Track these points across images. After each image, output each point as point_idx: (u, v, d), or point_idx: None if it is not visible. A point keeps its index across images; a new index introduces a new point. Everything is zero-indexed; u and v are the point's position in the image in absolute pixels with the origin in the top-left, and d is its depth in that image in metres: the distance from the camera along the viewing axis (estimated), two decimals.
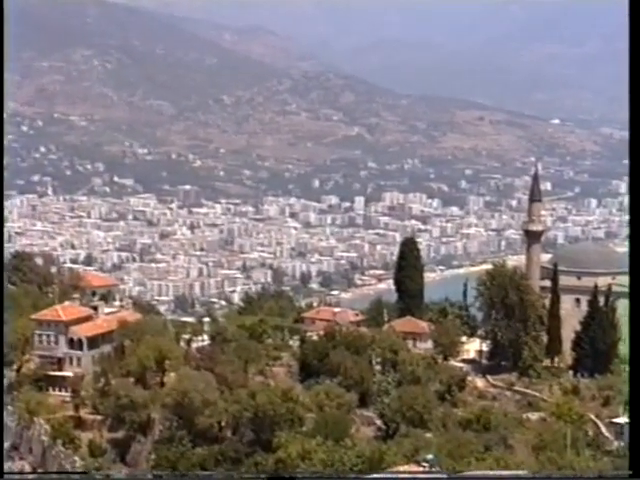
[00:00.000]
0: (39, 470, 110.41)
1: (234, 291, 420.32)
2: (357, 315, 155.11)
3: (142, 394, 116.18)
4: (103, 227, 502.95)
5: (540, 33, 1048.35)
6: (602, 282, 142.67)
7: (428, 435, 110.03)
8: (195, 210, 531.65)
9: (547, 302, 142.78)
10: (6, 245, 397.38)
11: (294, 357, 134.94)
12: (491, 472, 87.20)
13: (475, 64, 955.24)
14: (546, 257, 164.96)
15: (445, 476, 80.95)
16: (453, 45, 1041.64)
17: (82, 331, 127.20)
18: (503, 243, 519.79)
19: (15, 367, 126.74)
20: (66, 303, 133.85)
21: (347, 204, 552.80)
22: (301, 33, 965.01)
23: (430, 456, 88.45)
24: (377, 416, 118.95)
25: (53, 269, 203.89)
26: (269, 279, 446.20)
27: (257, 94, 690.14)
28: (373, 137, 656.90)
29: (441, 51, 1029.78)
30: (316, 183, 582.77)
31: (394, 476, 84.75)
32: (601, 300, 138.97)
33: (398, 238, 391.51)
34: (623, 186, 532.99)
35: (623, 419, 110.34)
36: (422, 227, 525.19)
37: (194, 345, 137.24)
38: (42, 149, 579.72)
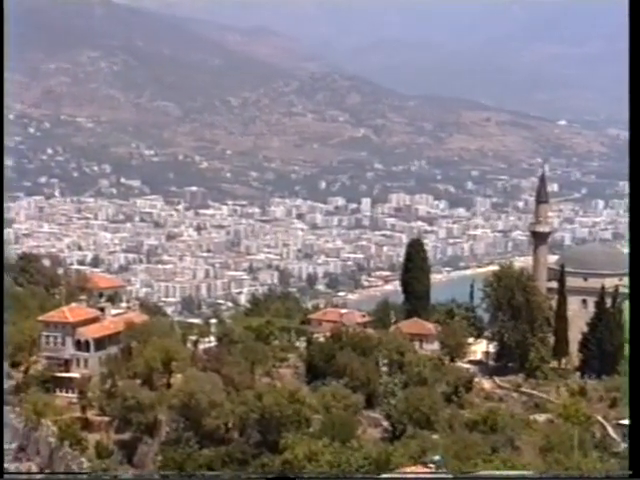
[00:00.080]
0: (46, 471, 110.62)
1: (241, 292, 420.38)
2: (364, 316, 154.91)
3: (149, 395, 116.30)
4: (110, 228, 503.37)
5: (541, 33, 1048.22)
6: (609, 283, 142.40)
7: (435, 436, 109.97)
8: (202, 211, 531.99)
9: (554, 303, 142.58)
10: (13, 246, 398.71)
11: (301, 358, 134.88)
12: (497, 473, 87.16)
13: (476, 64, 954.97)
14: (553, 258, 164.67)
15: (451, 477, 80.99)
16: (454, 45, 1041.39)
17: (89, 332, 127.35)
18: (510, 244, 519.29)
19: (22, 368, 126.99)
20: (73, 304, 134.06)
21: (354, 205, 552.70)
22: (304, 34, 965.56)
23: (437, 457, 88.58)
24: (384, 417, 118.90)
25: (60, 270, 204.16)
26: (276, 280, 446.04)
27: (263, 95, 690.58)
28: (379, 138, 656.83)
29: (442, 51, 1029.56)
30: (322, 184, 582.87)
31: (401, 476, 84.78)
32: (608, 301, 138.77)
33: (404, 239, 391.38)
34: None
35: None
36: (429, 228, 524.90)
37: (201, 346, 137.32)
38: (49, 151, 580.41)
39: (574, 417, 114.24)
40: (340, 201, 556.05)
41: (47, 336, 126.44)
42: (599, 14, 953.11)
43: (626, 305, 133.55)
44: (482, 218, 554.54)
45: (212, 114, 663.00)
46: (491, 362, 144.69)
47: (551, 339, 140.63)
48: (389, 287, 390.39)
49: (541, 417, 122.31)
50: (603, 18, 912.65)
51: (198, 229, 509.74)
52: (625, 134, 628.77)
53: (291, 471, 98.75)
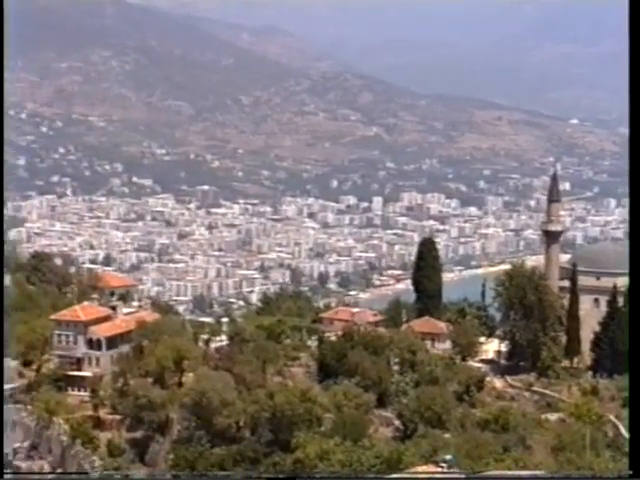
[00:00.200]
0: (58, 470, 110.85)
1: (252, 291, 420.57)
2: (375, 315, 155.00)
3: (160, 394, 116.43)
4: (122, 227, 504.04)
5: (553, 32, 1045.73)
6: (621, 282, 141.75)
7: (446, 435, 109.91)
8: (213, 210, 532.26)
9: (566, 302, 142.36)
10: (25, 245, 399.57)
11: (312, 357, 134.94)
12: (509, 473, 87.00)
13: (488, 63, 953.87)
14: (565, 257, 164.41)
15: (463, 476, 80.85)
16: (466, 44, 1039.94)
17: (101, 331, 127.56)
18: (522, 243, 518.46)
19: (34, 367, 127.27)
20: (85, 303, 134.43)
21: (365, 204, 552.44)
22: (316, 33, 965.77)
23: (448, 456, 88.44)
24: (395, 416, 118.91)
25: (72, 269, 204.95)
26: (287, 279, 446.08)
27: (275, 94, 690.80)
28: (391, 137, 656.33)
29: (454, 50, 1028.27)
30: (334, 183, 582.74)
31: (407, 476, 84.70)
32: (620, 300, 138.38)
33: (416, 238, 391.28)
34: None
35: None
36: (440, 227, 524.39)
37: (212, 345, 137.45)
38: (61, 150, 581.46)
39: (586, 416, 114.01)
40: (352, 200, 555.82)
41: (59, 335, 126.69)
42: (611, 13, 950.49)
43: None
44: (494, 217, 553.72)
45: (224, 113, 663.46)
46: (503, 361, 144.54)
47: (563, 338, 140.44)
48: (401, 286, 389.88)
49: (553, 416, 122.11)
50: (615, 17, 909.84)
51: (210, 228, 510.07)
52: None
53: (302, 470, 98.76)
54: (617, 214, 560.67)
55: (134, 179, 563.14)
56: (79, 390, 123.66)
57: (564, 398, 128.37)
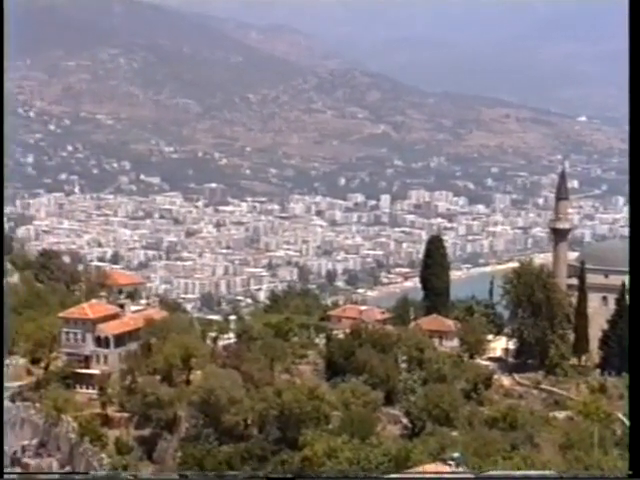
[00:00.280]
0: (67, 468, 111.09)
1: (260, 289, 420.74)
2: (383, 313, 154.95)
3: (168, 392, 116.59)
4: (130, 225, 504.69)
5: (562, 30, 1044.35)
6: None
7: (454, 433, 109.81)
8: (221, 208, 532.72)
9: (574, 300, 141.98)
10: (33, 243, 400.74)
11: (320, 355, 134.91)
12: (517, 472, 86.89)
13: (496, 61, 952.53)
14: (573, 255, 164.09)
15: (472, 476, 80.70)
16: (475, 42, 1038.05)
17: (109, 329, 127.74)
18: (530, 241, 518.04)
19: (43, 365, 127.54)
20: (93, 301, 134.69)
21: (373, 202, 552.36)
22: (324, 31, 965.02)
23: (456, 454, 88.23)
24: (403, 414, 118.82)
25: (80, 267, 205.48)
26: (295, 277, 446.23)
27: (283, 92, 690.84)
28: (399, 135, 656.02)
29: (462, 48, 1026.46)
30: (342, 181, 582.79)
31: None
32: (628, 298, 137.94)
33: (424, 236, 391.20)
34: None
35: None
36: (448, 225, 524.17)
37: (220, 343, 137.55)
38: (69, 148, 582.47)
39: (594, 414, 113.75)
40: (359, 198, 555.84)
41: (67, 332, 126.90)
42: (619, 10, 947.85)
43: None
44: (502, 215, 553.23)
45: (231, 111, 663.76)
46: (511, 359, 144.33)
47: (571, 336, 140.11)
48: (408, 284, 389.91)
49: (561, 414, 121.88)
50: (622, 15, 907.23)
51: (217, 226, 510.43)
52: None
53: (310, 468, 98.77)
54: (625, 212, 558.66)
55: (142, 177, 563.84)
56: (87, 388, 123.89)
57: (572, 396, 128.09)
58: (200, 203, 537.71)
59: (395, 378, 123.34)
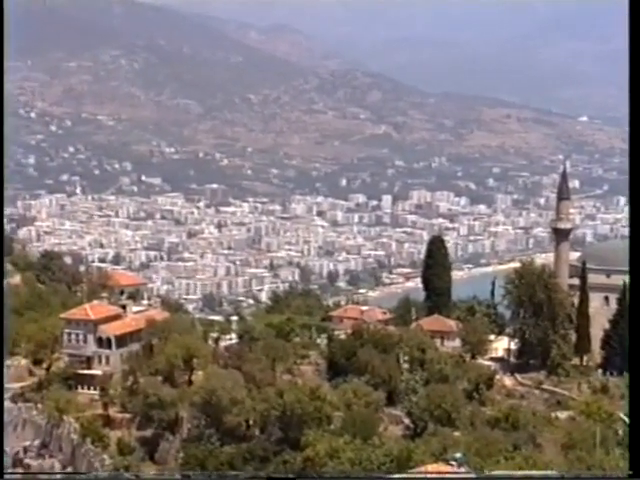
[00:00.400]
0: (69, 469, 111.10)
1: (262, 290, 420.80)
2: (385, 313, 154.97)
3: (170, 392, 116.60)
4: (131, 226, 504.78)
5: (563, 30, 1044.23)
6: None
7: (456, 434, 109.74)
8: (222, 209, 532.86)
9: (576, 300, 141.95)
10: (35, 244, 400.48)
11: (322, 355, 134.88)
12: (519, 473, 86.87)
13: (498, 62, 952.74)
14: (575, 255, 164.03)
15: (474, 476, 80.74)
16: (476, 43, 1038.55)
17: (111, 330, 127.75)
18: (531, 241, 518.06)
19: (44, 366, 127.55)
20: (95, 302, 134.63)
21: (374, 202, 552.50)
22: (325, 32, 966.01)
23: (458, 455, 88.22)
24: (405, 415, 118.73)
25: (82, 268, 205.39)
26: (297, 278, 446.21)
27: (284, 93, 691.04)
28: (400, 135, 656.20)
29: (463, 49, 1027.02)
30: (343, 182, 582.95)
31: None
32: None
33: (425, 236, 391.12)
34: None
35: None
36: (449, 225, 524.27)
37: (222, 344, 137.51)
38: (70, 149, 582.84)
39: (596, 414, 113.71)
40: (361, 198, 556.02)
41: (69, 333, 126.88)
42: (619, 10, 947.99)
43: None
44: (503, 215, 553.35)
45: (232, 111, 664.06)
46: (512, 359, 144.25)
47: (573, 336, 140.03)
48: (410, 284, 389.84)
49: (563, 414, 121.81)
50: (623, 14, 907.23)
51: (219, 226, 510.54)
52: None
53: (312, 468, 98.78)
54: (627, 212, 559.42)
55: (143, 178, 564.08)
56: (89, 389, 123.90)
57: (574, 396, 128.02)
58: (201, 204, 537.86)
59: (397, 378, 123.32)
